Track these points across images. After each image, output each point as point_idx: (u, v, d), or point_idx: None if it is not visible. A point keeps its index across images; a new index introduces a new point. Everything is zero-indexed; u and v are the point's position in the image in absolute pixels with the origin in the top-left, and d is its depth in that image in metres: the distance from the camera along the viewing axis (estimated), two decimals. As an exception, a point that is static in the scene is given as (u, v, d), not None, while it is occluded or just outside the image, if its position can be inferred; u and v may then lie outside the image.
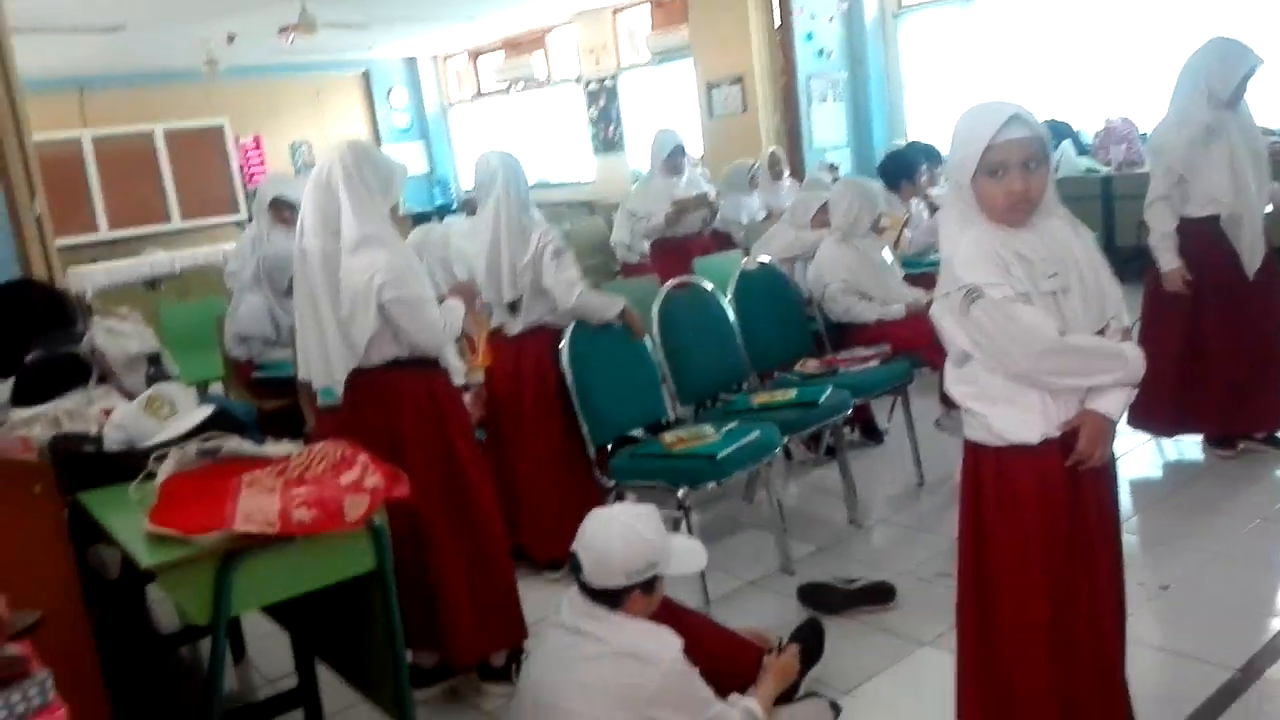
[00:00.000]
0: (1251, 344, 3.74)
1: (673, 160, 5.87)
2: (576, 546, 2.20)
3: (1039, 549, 2.01)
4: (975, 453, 2.06)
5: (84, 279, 9.52)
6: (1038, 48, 8.03)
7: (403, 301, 2.58)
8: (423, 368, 2.72)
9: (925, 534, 3.61)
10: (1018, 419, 1.97)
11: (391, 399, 2.68)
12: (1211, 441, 3.95)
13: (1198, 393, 3.79)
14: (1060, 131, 7.71)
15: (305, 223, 2.67)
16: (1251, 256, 3.64)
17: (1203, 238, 3.66)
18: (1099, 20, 7.67)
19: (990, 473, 2.04)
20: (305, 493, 2.12)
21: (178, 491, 2.18)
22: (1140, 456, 4.09)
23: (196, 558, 1.91)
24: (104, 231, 11.42)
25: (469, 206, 13.12)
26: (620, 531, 2.19)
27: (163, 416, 2.51)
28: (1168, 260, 3.71)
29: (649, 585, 2.23)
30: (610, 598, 2.20)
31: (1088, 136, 7.75)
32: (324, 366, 2.68)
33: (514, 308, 3.44)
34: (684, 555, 2.29)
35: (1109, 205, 7.10)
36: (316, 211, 2.63)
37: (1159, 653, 2.68)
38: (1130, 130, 7.40)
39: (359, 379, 2.65)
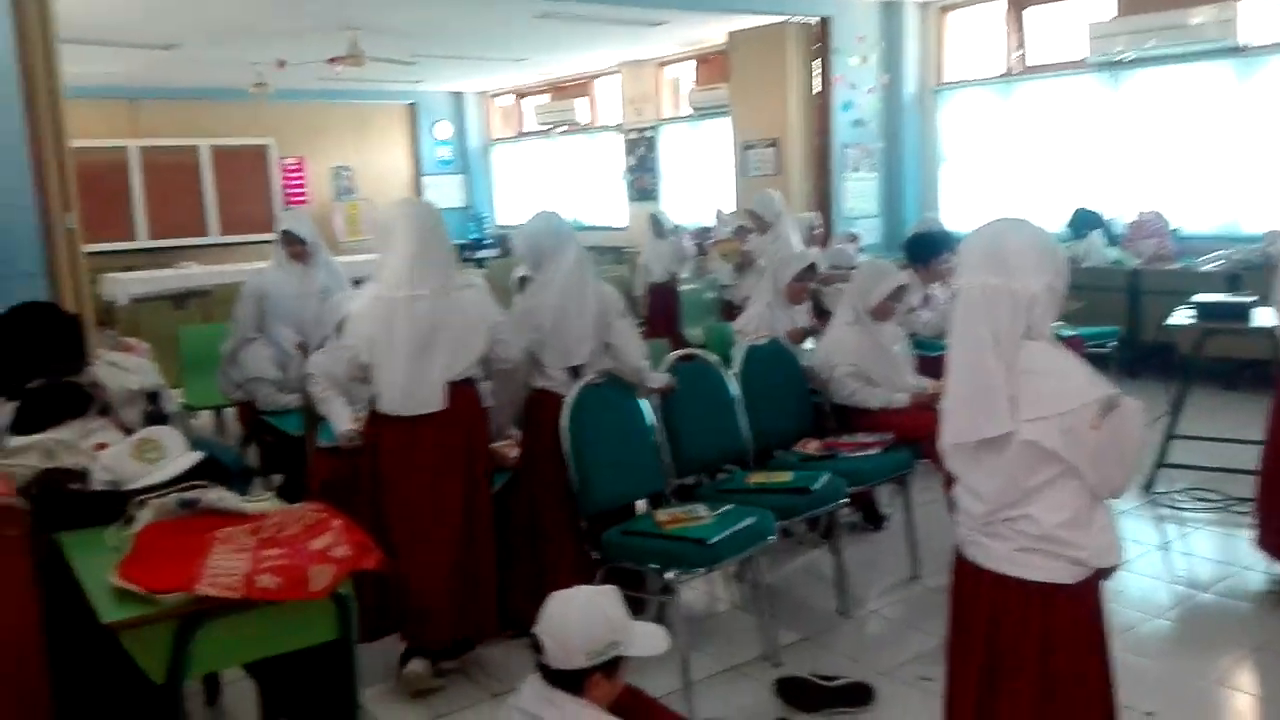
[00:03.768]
0: None
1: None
2: (537, 628, 2.18)
3: (1105, 673, 2.03)
4: (1044, 595, 1.97)
5: (118, 286, 9.68)
6: (1075, 134, 8.03)
7: (501, 328, 3.30)
8: (474, 383, 3.32)
9: (913, 631, 3.55)
10: (1107, 541, 1.96)
11: (471, 403, 3.28)
12: None
13: None
14: (1091, 220, 7.68)
15: (405, 274, 3.14)
16: None
17: None
18: (1137, 113, 7.66)
19: (1067, 611, 1.98)
20: (275, 555, 2.13)
21: (151, 542, 2.20)
22: (1141, 567, 4.02)
23: (156, 618, 1.91)
24: (143, 240, 11.62)
25: (504, 244, 13.28)
26: (580, 612, 2.17)
27: (150, 460, 2.53)
28: None
29: (611, 668, 2.19)
30: (571, 680, 2.16)
31: (1119, 226, 7.70)
32: (426, 393, 3.15)
33: (576, 371, 3.48)
34: (646, 638, 2.26)
35: (1135, 299, 7.04)
36: (421, 265, 3.15)
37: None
38: (1161, 225, 7.36)
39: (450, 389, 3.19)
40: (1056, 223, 7.74)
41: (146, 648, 1.93)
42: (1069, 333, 5.41)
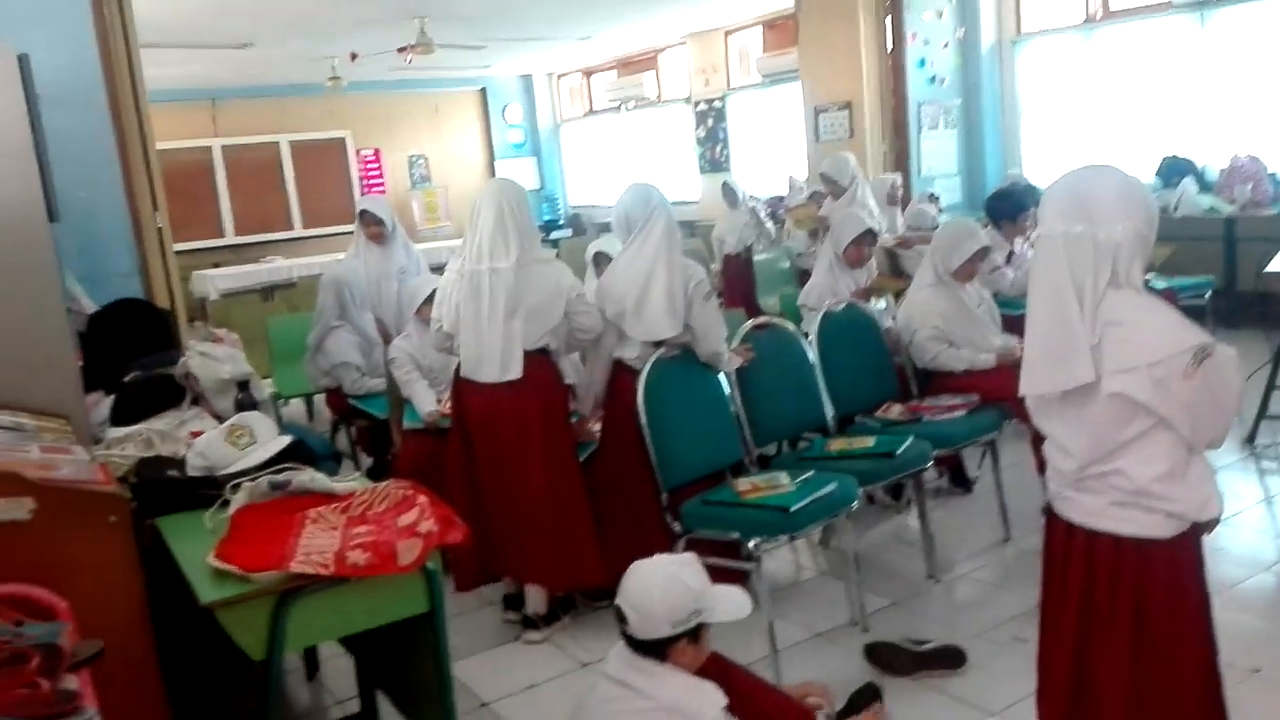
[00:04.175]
0: None
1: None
2: (620, 600, 2.20)
3: (1202, 631, 1.98)
4: (1139, 550, 1.91)
5: (208, 282, 10.01)
6: (1162, 79, 7.69)
7: (581, 300, 3.42)
8: (551, 354, 3.46)
9: (1005, 593, 3.49)
10: (1205, 494, 1.90)
11: (547, 372, 3.42)
12: None
13: None
14: (1182, 168, 7.37)
15: (487, 248, 3.30)
16: None
17: None
18: (1228, 52, 7.31)
19: (1164, 566, 1.92)
20: (364, 532, 2.18)
21: (246, 524, 2.27)
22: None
23: (253, 596, 1.97)
24: (230, 237, 11.97)
25: (576, 225, 13.39)
26: (662, 581, 2.18)
27: (242, 446, 2.60)
28: None
29: (695, 634, 2.20)
30: (656, 649, 2.18)
31: (1212, 173, 7.38)
32: (505, 361, 3.31)
33: (659, 346, 3.48)
34: (729, 603, 2.26)
35: (1231, 247, 6.75)
36: (501, 239, 3.30)
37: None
38: (1258, 169, 7.01)
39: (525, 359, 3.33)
40: (1146, 172, 7.44)
41: (243, 626, 1.99)
42: (1161, 285, 5.22)
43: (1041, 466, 3.57)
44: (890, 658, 2.99)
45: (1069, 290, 1.86)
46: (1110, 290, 1.85)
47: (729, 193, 7.90)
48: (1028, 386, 1.98)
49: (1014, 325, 4.24)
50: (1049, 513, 2.07)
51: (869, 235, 4.66)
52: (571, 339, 3.51)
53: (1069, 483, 1.98)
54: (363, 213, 5.29)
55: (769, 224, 7.85)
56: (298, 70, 10.74)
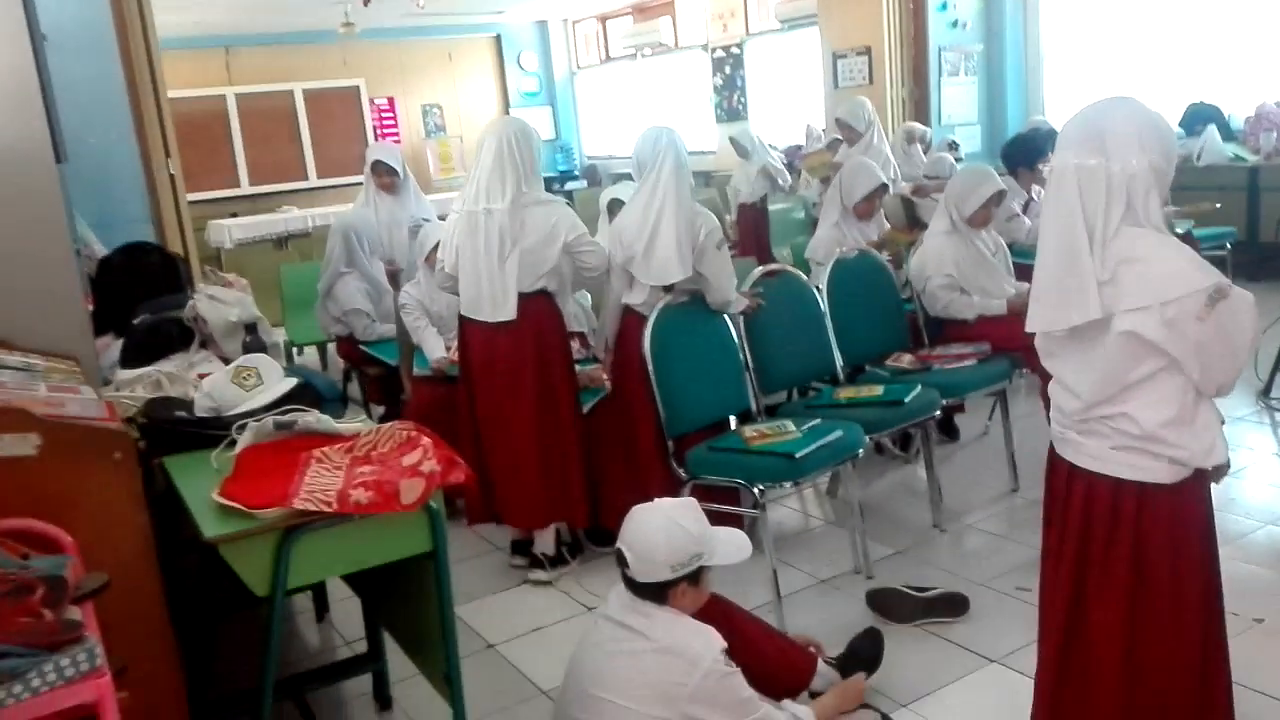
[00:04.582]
0: None
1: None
2: (620, 543, 2.21)
3: (1205, 580, 1.96)
4: (1140, 495, 1.89)
5: (223, 232, 10.03)
6: (1187, 24, 7.52)
7: (582, 240, 3.38)
8: (550, 298, 3.44)
9: (1010, 543, 3.49)
10: (1210, 440, 1.87)
11: (543, 315, 3.41)
12: None
13: None
14: (1207, 116, 7.23)
15: (484, 189, 3.31)
16: None
17: None
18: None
19: (1165, 512, 1.90)
20: (368, 472, 2.20)
21: (251, 463, 2.28)
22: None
23: (256, 531, 2.00)
24: (245, 187, 11.94)
25: (591, 175, 13.27)
26: (662, 524, 2.19)
27: (249, 387, 2.62)
28: None
29: (695, 578, 2.22)
30: (656, 591, 2.20)
31: (1237, 121, 7.23)
32: (498, 302, 3.33)
33: (669, 291, 3.47)
34: (728, 546, 2.27)
35: (1254, 197, 6.64)
36: (498, 180, 3.30)
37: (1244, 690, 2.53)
38: (1284, 117, 6.88)
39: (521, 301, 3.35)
40: (1170, 119, 7.30)
41: (247, 562, 2.02)
42: (1181, 230, 5.14)
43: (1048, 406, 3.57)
44: (893, 603, 3.00)
45: (1079, 225, 1.82)
46: (1126, 227, 1.81)
47: (737, 145, 7.82)
48: (1034, 323, 1.96)
49: (1028, 275, 4.19)
50: (1051, 454, 2.05)
51: (882, 190, 4.59)
52: (579, 277, 3.51)
53: (1072, 424, 1.96)
54: (376, 163, 5.25)
55: (784, 175, 7.76)
56: (310, 17, 10.62)
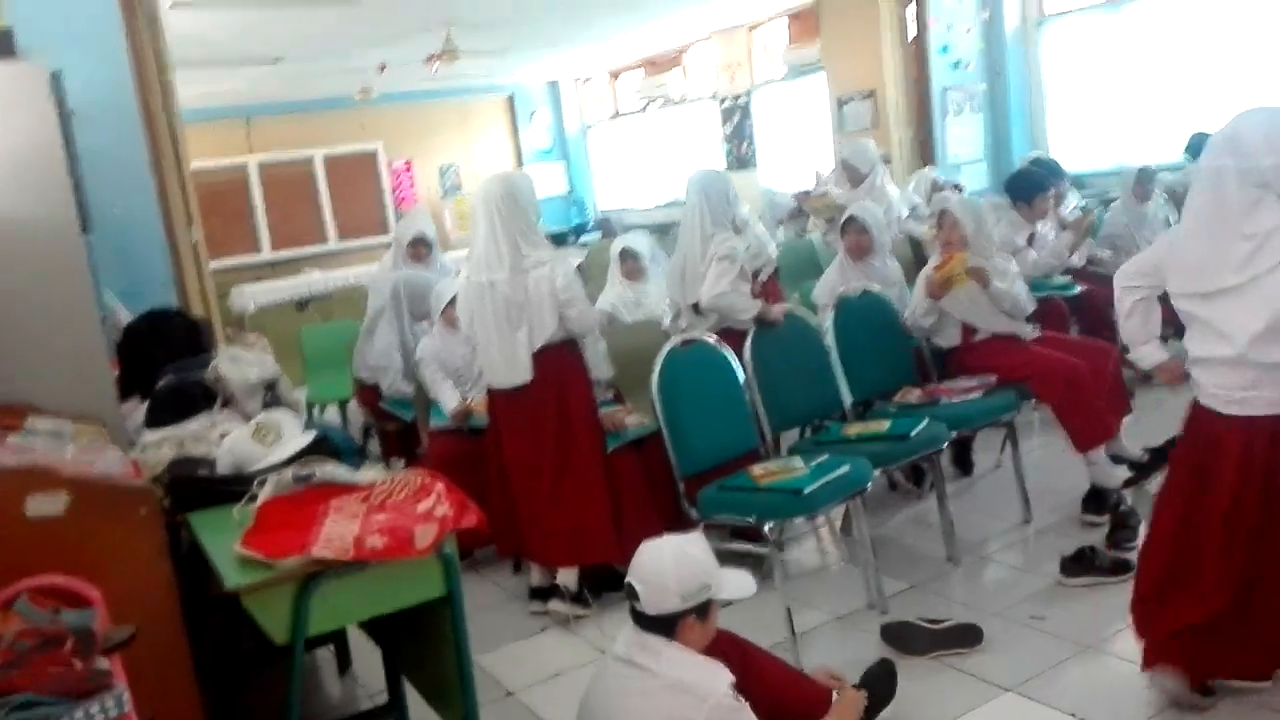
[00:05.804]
0: None
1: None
2: (631, 577, 2.26)
3: None
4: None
5: (247, 297, 10.23)
6: (1191, 55, 7.60)
7: (573, 301, 3.44)
8: (571, 346, 3.57)
9: (1025, 574, 3.50)
10: None
11: (559, 365, 3.52)
12: None
13: None
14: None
15: (483, 260, 3.43)
16: None
17: None
18: (1262, 25, 7.20)
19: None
20: (383, 519, 2.27)
21: (272, 515, 2.37)
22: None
23: (276, 581, 2.07)
24: (266, 253, 12.19)
25: (605, 227, 13.43)
26: (672, 554, 2.25)
27: (268, 443, 2.71)
28: None
29: (703, 611, 2.26)
30: (665, 625, 2.23)
31: (1242, 148, 7.25)
32: (513, 367, 3.46)
33: (696, 308, 3.89)
34: (735, 582, 2.32)
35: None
36: (494, 249, 3.41)
37: None
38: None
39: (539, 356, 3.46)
40: (1174, 148, 7.35)
41: (268, 610, 2.08)
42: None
43: (1081, 441, 3.65)
44: (906, 636, 3.03)
45: (1213, 211, 2.20)
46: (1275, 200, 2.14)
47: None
48: (1177, 285, 2.29)
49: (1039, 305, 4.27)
50: (1203, 420, 2.30)
51: (851, 222, 4.50)
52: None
53: (1237, 382, 2.19)
54: (418, 239, 5.27)
55: (773, 243, 7.39)
56: (328, 84, 10.91)
